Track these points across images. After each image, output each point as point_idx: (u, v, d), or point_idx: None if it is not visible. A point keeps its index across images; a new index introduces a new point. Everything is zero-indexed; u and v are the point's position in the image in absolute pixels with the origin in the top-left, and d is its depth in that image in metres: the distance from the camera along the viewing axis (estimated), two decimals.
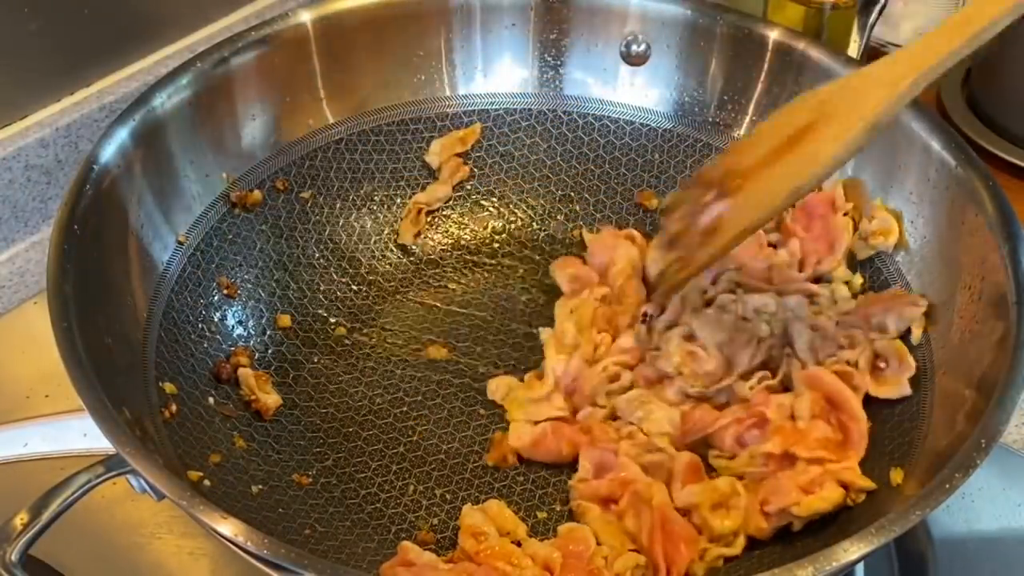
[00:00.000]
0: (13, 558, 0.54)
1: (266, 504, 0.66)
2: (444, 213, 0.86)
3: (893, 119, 0.62)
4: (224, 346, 0.75)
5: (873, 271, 0.75)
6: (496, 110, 0.86)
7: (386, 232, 0.85)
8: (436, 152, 0.85)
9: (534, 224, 0.86)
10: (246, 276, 0.78)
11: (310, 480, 0.69)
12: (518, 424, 0.71)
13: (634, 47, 0.84)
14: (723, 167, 0.66)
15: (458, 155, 0.85)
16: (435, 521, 0.67)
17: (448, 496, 0.69)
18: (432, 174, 0.86)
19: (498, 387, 0.75)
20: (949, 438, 0.61)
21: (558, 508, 0.68)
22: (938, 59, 0.59)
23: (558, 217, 0.86)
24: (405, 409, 0.74)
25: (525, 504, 0.68)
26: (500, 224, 0.87)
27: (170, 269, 0.73)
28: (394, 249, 0.84)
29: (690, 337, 0.71)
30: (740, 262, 0.74)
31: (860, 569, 0.69)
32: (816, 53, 0.78)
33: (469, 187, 0.87)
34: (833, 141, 0.61)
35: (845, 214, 0.75)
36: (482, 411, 0.74)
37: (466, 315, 0.81)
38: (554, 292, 0.81)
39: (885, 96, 0.60)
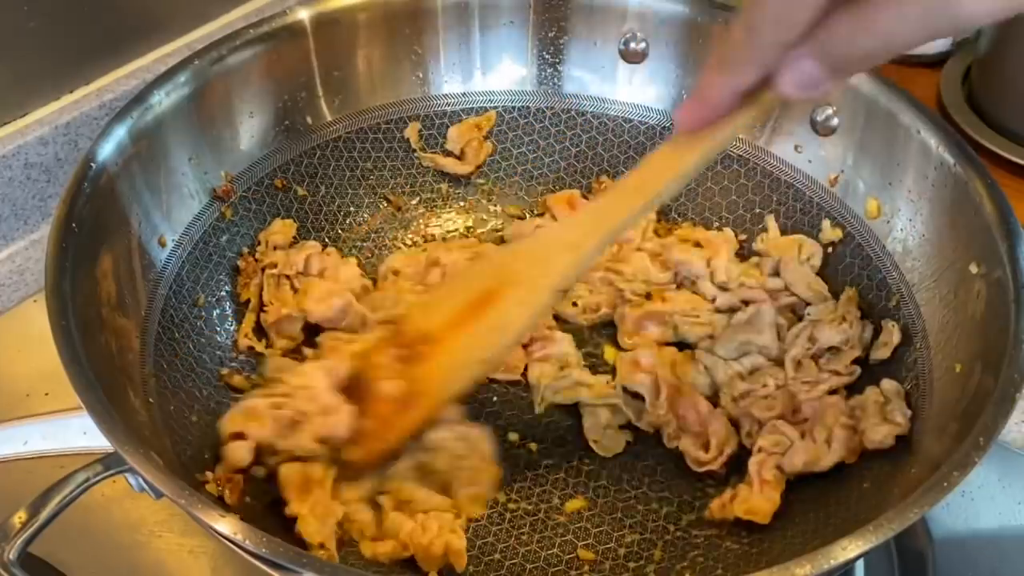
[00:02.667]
0: (12, 556, 0.54)
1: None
2: (444, 212, 0.86)
3: (576, 278, 0.64)
4: (222, 343, 0.75)
5: (871, 270, 0.75)
6: (494, 108, 0.86)
7: (385, 229, 0.85)
8: (454, 139, 0.85)
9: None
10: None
11: None
12: None
13: (633, 45, 0.84)
14: (413, 327, 0.65)
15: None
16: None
17: None
18: (429, 172, 0.86)
19: None
20: (948, 436, 0.61)
21: None
22: (619, 222, 0.60)
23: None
24: None
25: None
26: (499, 223, 0.87)
27: (168, 266, 0.73)
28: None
29: None
30: None
31: (860, 567, 0.69)
32: None
33: (468, 185, 0.87)
34: (520, 306, 0.62)
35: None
36: None
37: None
38: None
39: (570, 260, 0.61)
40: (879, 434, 0.65)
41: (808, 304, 0.76)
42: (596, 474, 0.70)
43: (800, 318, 0.76)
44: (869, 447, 0.66)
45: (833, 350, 0.73)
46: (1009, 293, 0.62)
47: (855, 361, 0.72)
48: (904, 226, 0.73)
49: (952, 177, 0.69)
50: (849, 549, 0.51)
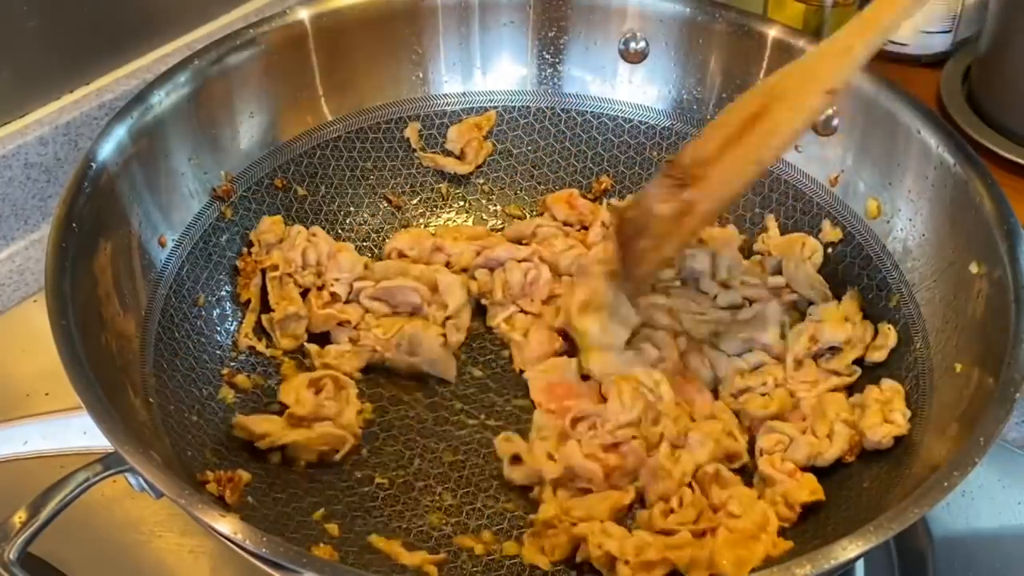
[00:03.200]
0: (12, 556, 0.54)
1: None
2: (444, 212, 0.86)
3: (848, 86, 0.64)
4: (222, 343, 0.75)
5: (871, 270, 0.75)
6: (495, 108, 0.86)
7: (386, 229, 0.85)
8: (454, 139, 0.86)
9: None
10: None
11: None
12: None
13: (633, 44, 0.84)
14: (687, 158, 0.67)
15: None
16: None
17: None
18: (429, 171, 0.86)
19: None
20: (948, 436, 0.61)
21: None
22: (889, 21, 0.61)
23: None
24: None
25: None
26: (499, 222, 0.87)
27: (168, 266, 0.73)
28: None
29: None
30: None
31: (860, 567, 0.69)
32: None
33: (468, 185, 0.87)
34: (790, 111, 0.63)
35: None
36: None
37: None
38: None
39: (841, 62, 0.62)
40: (878, 434, 0.65)
41: (810, 302, 0.76)
42: None
43: (803, 315, 0.76)
44: (868, 447, 0.66)
45: (834, 350, 0.73)
46: (1009, 293, 0.62)
47: (855, 361, 0.72)
48: (904, 226, 0.73)
49: (952, 177, 0.69)
50: (849, 549, 0.51)
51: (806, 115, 0.64)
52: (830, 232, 0.78)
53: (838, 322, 0.73)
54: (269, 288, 0.77)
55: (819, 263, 0.78)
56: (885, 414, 0.66)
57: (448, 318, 0.77)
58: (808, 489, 0.65)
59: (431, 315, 0.77)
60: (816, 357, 0.73)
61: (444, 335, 0.76)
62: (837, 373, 0.72)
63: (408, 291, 0.77)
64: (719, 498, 0.65)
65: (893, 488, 0.62)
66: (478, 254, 0.80)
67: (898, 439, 0.66)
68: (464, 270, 0.80)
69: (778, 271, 0.78)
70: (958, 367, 0.65)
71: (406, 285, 0.77)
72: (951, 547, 0.70)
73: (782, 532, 0.64)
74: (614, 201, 0.84)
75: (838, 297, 0.76)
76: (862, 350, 0.72)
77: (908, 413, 0.66)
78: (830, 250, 0.78)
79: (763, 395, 0.71)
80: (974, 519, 0.72)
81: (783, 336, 0.74)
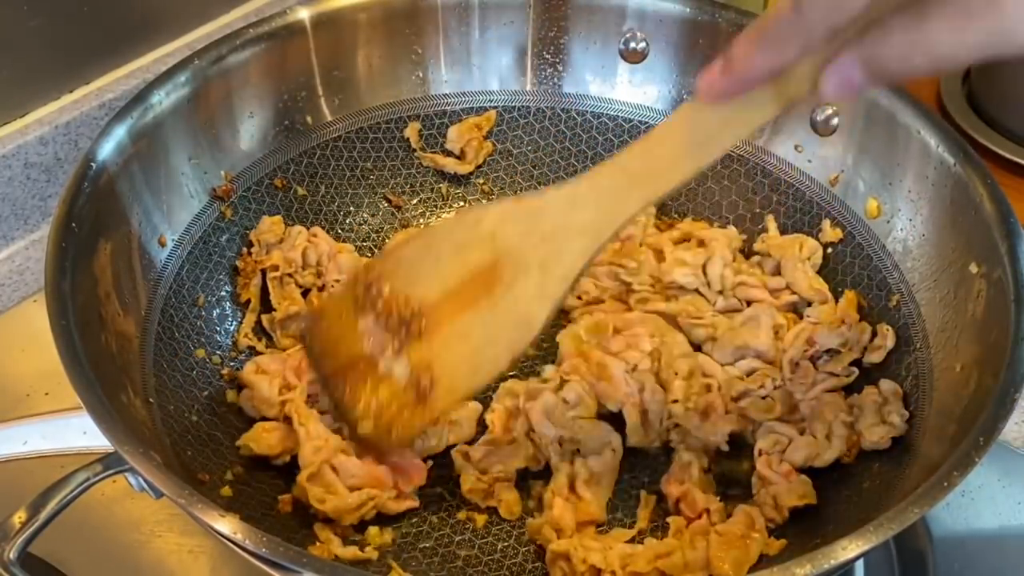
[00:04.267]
0: (12, 556, 0.54)
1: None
2: (444, 211, 0.86)
3: (587, 268, 0.59)
4: (222, 343, 0.75)
5: (871, 270, 0.75)
6: (494, 107, 0.86)
7: (385, 229, 0.85)
8: (454, 139, 0.86)
9: None
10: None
11: None
12: None
13: (632, 44, 0.84)
14: (393, 292, 0.60)
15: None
16: None
17: None
18: (429, 171, 0.86)
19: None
20: (948, 436, 0.61)
21: None
22: (632, 212, 0.56)
23: None
24: None
25: None
26: None
27: (168, 266, 0.73)
28: None
29: None
30: None
31: (860, 567, 0.69)
32: None
33: (468, 185, 0.87)
34: (542, 300, 0.57)
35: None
36: None
37: None
38: None
39: (588, 247, 0.56)
40: (875, 435, 0.65)
41: (809, 303, 0.76)
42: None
43: (801, 316, 0.76)
44: (865, 447, 0.66)
45: (831, 352, 0.73)
46: (1009, 293, 0.62)
47: (854, 362, 0.72)
48: (904, 226, 0.73)
49: (952, 177, 0.69)
50: (849, 549, 0.51)
51: (554, 307, 0.57)
52: (830, 233, 0.78)
53: (834, 325, 0.73)
54: (270, 288, 0.76)
55: (818, 264, 0.78)
56: (883, 415, 0.66)
57: None
58: (798, 493, 0.65)
59: None
60: (813, 359, 0.73)
61: None
62: (835, 375, 0.72)
63: None
64: (701, 506, 0.65)
65: (893, 488, 0.62)
66: None
67: (896, 439, 0.66)
68: None
69: (777, 272, 0.78)
70: (958, 367, 0.65)
71: None
72: (951, 547, 0.70)
73: (780, 531, 0.64)
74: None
75: (838, 299, 0.76)
76: (859, 352, 0.72)
77: (906, 414, 0.66)
78: (830, 250, 0.78)
79: (764, 398, 0.71)
80: (974, 519, 0.72)
81: (780, 337, 0.74)
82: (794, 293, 0.76)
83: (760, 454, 0.68)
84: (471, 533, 0.66)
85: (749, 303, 0.76)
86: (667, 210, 0.84)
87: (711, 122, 0.53)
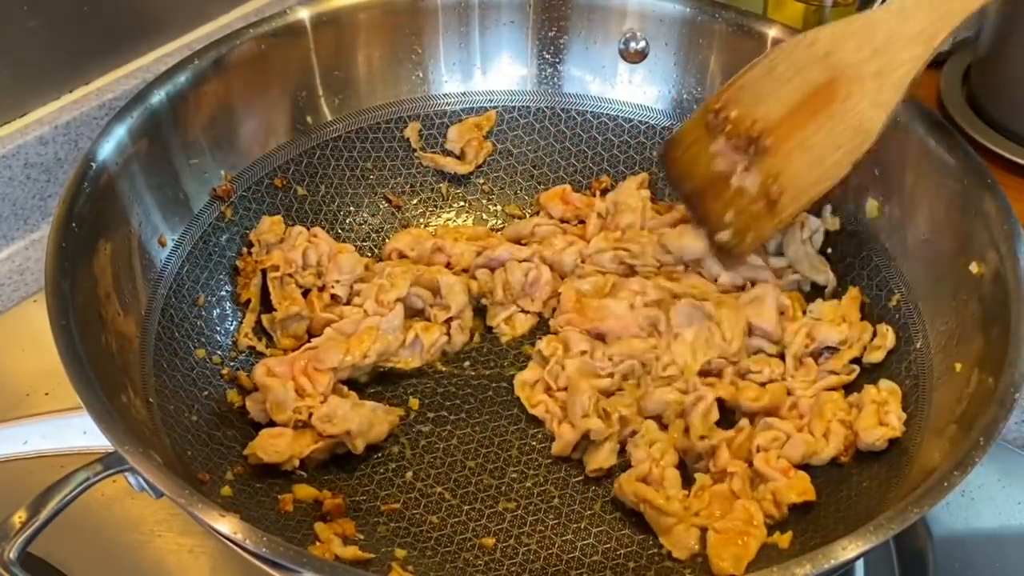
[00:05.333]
0: (12, 555, 0.54)
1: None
2: (444, 211, 0.86)
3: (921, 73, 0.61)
4: (222, 343, 0.75)
5: (871, 270, 0.75)
6: (495, 107, 0.86)
7: (385, 229, 0.85)
8: (454, 139, 0.86)
9: None
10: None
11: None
12: None
13: (633, 44, 0.84)
14: (740, 117, 0.64)
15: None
16: None
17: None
18: (429, 171, 0.86)
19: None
20: (948, 436, 0.61)
21: None
22: (967, 13, 0.57)
23: None
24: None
25: None
26: (499, 222, 0.87)
27: (168, 266, 0.73)
28: None
29: None
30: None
31: (860, 567, 0.69)
32: None
33: (468, 185, 0.87)
34: (878, 108, 0.60)
35: None
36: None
37: None
38: None
39: (921, 55, 0.58)
40: (872, 436, 0.66)
41: (812, 283, 0.77)
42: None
43: (805, 296, 0.76)
44: (862, 448, 0.66)
45: (831, 349, 0.73)
46: (1009, 293, 0.62)
47: (855, 360, 0.72)
48: (904, 226, 0.73)
49: (952, 177, 0.69)
50: (849, 549, 0.51)
51: (890, 113, 0.60)
52: (829, 220, 0.77)
53: (834, 322, 0.73)
54: (271, 288, 0.76)
55: (820, 243, 0.78)
56: (880, 416, 0.66)
57: (451, 319, 0.77)
58: (798, 490, 0.65)
59: (433, 316, 0.77)
60: (815, 356, 0.73)
61: (448, 335, 0.76)
62: (835, 372, 0.72)
63: (410, 295, 0.76)
64: (700, 503, 0.65)
65: (893, 488, 0.62)
66: (479, 254, 0.80)
67: (894, 440, 0.66)
68: (465, 270, 0.80)
69: (779, 252, 0.78)
70: (958, 367, 0.65)
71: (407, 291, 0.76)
72: (951, 547, 0.70)
73: (780, 527, 0.64)
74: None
75: (840, 278, 0.76)
76: (859, 350, 0.72)
77: (903, 416, 0.66)
78: (830, 250, 0.78)
79: (760, 384, 0.71)
80: (974, 519, 0.72)
81: (784, 315, 0.74)
82: (796, 272, 0.77)
83: (758, 450, 0.68)
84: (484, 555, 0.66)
85: (753, 283, 0.76)
86: (659, 196, 0.84)
87: None
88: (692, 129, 0.71)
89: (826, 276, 0.76)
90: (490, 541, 0.66)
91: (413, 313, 0.77)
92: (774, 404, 0.70)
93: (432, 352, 0.76)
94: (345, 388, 0.73)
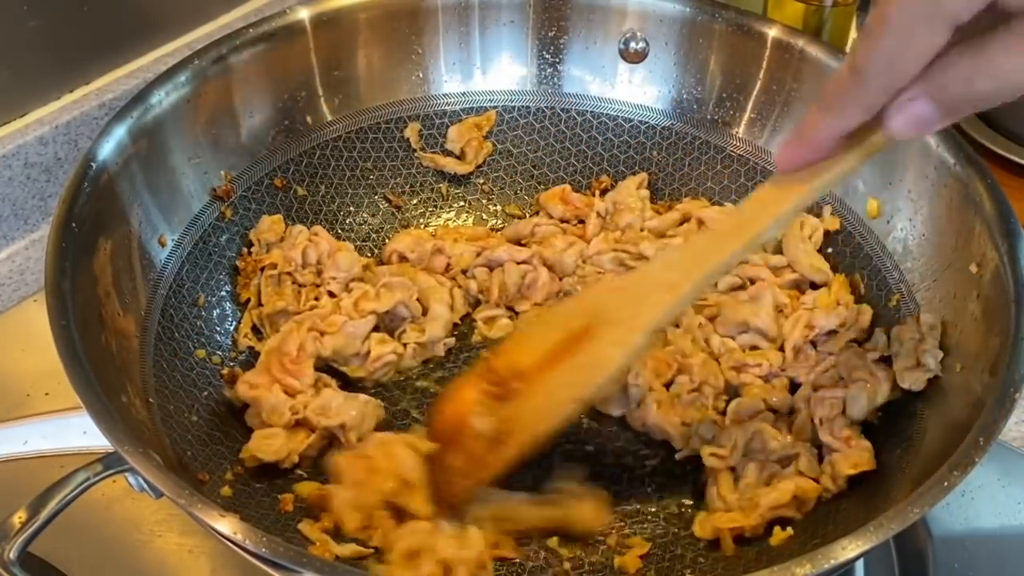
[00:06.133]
0: (12, 555, 0.54)
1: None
2: (444, 211, 0.86)
3: (672, 319, 0.62)
4: (222, 343, 0.75)
5: (871, 270, 0.75)
6: (494, 107, 0.86)
7: (385, 229, 0.85)
8: (454, 139, 0.86)
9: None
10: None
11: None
12: None
13: (633, 44, 0.84)
14: (501, 366, 0.64)
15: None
16: None
17: None
18: (429, 171, 0.86)
19: None
20: (948, 436, 0.61)
21: None
22: (718, 263, 0.59)
23: None
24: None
25: None
26: (499, 222, 0.87)
27: (168, 266, 0.73)
28: None
29: None
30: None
31: (860, 567, 0.69)
32: (815, 51, 0.78)
33: (468, 185, 0.87)
34: (615, 346, 0.60)
35: None
36: None
37: None
38: None
39: (666, 300, 0.59)
40: (909, 379, 0.66)
41: (811, 282, 0.77)
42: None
43: (804, 291, 0.76)
44: (903, 386, 0.67)
45: (830, 333, 0.73)
46: (1009, 293, 0.62)
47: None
48: (904, 226, 0.73)
49: (952, 177, 0.69)
50: (849, 549, 0.51)
51: (630, 351, 0.61)
52: (828, 220, 0.77)
53: (830, 307, 0.73)
54: (262, 285, 0.76)
55: (819, 242, 0.78)
56: (918, 356, 0.66)
57: (418, 344, 0.76)
58: (852, 460, 0.65)
59: (407, 329, 0.76)
60: (814, 343, 0.73)
61: (398, 354, 0.75)
62: (834, 354, 0.72)
63: (400, 305, 0.76)
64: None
65: (893, 488, 0.62)
66: (478, 255, 0.80)
67: (897, 436, 0.66)
68: (464, 271, 0.80)
69: (778, 251, 0.78)
70: (958, 367, 0.65)
71: (403, 301, 0.76)
72: (951, 547, 0.70)
73: (781, 523, 0.64)
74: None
75: None
76: (856, 332, 0.72)
77: (940, 355, 0.66)
78: (830, 249, 0.78)
79: (764, 379, 0.72)
80: (974, 519, 0.72)
81: (782, 313, 0.74)
82: (795, 271, 0.77)
83: (821, 423, 0.67)
84: None
85: (752, 281, 0.77)
86: (658, 196, 0.85)
87: (793, 180, 0.55)
88: (462, 383, 0.67)
89: (825, 275, 0.76)
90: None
91: (395, 319, 0.77)
92: (782, 403, 0.70)
93: (375, 365, 0.74)
94: (331, 380, 0.73)
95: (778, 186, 0.56)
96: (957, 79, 0.45)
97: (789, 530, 0.63)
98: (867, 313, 0.73)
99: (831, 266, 0.77)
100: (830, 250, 0.78)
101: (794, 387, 0.72)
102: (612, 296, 0.63)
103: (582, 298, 0.66)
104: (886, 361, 0.69)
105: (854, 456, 0.65)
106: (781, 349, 0.74)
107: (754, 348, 0.74)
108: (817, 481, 0.65)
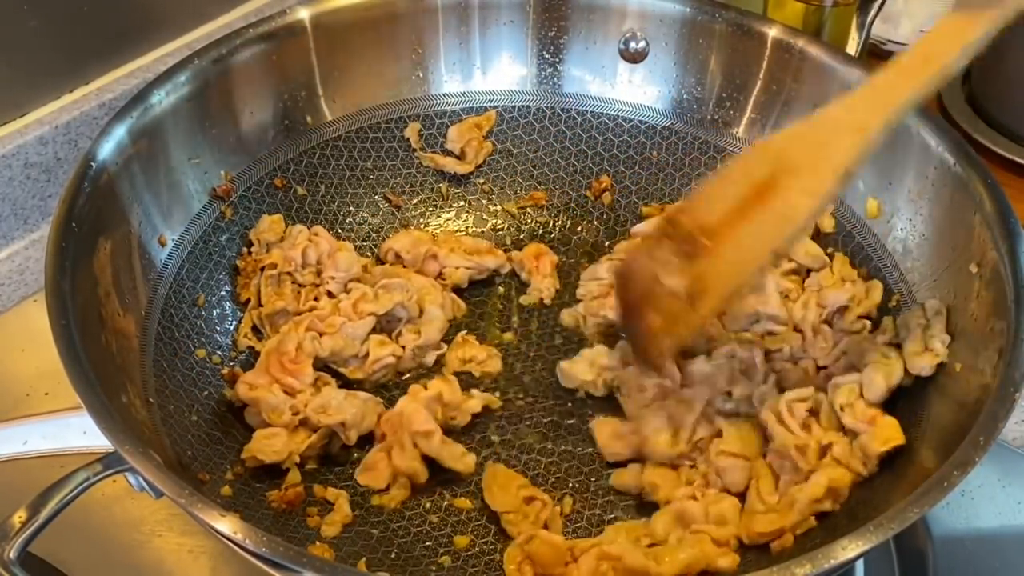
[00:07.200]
0: (12, 555, 0.54)
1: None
2: (444, 211, 0.86)
3: (864, 163, 0.60)
4: (222, 343, 0.75)
5: (872, 268, 0.75)
6: (495, 107, 0.86)
7: (385, 228, 0.85)
8: (454, 139, 0.86)
9: (533, 221, 0.86)
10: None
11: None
12: None
13: (633, 44, 0.84)
14: (689, 219, 0.63)
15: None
16: None
17: None
18: (429, 171, 0.86)
19: None
20: (948, 435, 0.61)
21: None
22: (905, 99, 0.57)
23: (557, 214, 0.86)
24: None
25: None
26: (500, 222, 0.87)
27: (168, 266, 0.73)
28: None
29: None
30: None
31: (860, 567, 0.69)
32: (815, 50, 0.78)
33: (468, 185, 0.87)
34: (806, 195, 0.59)
35: None
36: None
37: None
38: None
39: (856, 142, 0.58)
40: (918, 364, 0.66)
41: (809, 270, 0.77)
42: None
43: (803, 281, 0.76)
44: (912, 371, 0.66)
45: (842, 310, 0.73)
46: (1009, 293, 0.62)
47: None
48: (904, 226, 0.73)
49: (952, 177, 0.69)
50: (849, 549, 0.51)
51: (822, 200, 0.59)
52: (825, 220, 0.77)
53: (837, 284, 0.74)
54: (261, 285, 0.76)
55: (811, 230, 0.78)
56: (926, 340, 0.66)
57: (417, 346, 0.76)
58: (882, 437, 0.64)
59: (403, 331, 0.76)
60: (828, 322, 0.73)
61: (397, 357, 0.75)
62: (847, 331, 0.72)
63: (398, 307, 0.76)
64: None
65: (893, 488, 0.62)
66: (470, 270, 0.81)
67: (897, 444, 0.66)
68: (456, 287, 0.80)
69: None
70: (958, 367, 0.65)
71: (401, 302, 0.76)
72: (951, 547, 0.70)
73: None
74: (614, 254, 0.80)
75: None
76: (867, 307, 0.73)
77: (947, 339, 0.66)
78: (830, 249, 0.78)
79: (793, 364, 0.72)
80: (974, 519, 0.72)
81: (788, 299, 0.75)
82: (791, 260, 0.77)
83: (842, 409, 0.67)
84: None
85: None
86: (658, 196, 0.85)
87: (981, 4, 0.53)
88: (647, 238, 0.68)
89: (821, 260, 0.77)
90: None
91: (391, 320, 0.77)
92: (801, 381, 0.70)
93: (374, 367, 0.74)
94: (331, 379, 0.73)
95: (964, 13, 0.54)
96: None
97: (812, 520, 0.63)
98: (877, 288, 0.73)
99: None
100: (830, 250, 0.78)
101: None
102: (794, 143, 0.61)
103: (763, 148, 0.63)
104: (895, 347, 0.69)
105: (882, 433, 0.64)
106: (796, 331, 0.74)
107: (770, 334, 0.74)
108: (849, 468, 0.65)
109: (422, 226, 0.85)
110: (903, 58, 0.58)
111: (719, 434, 0.68)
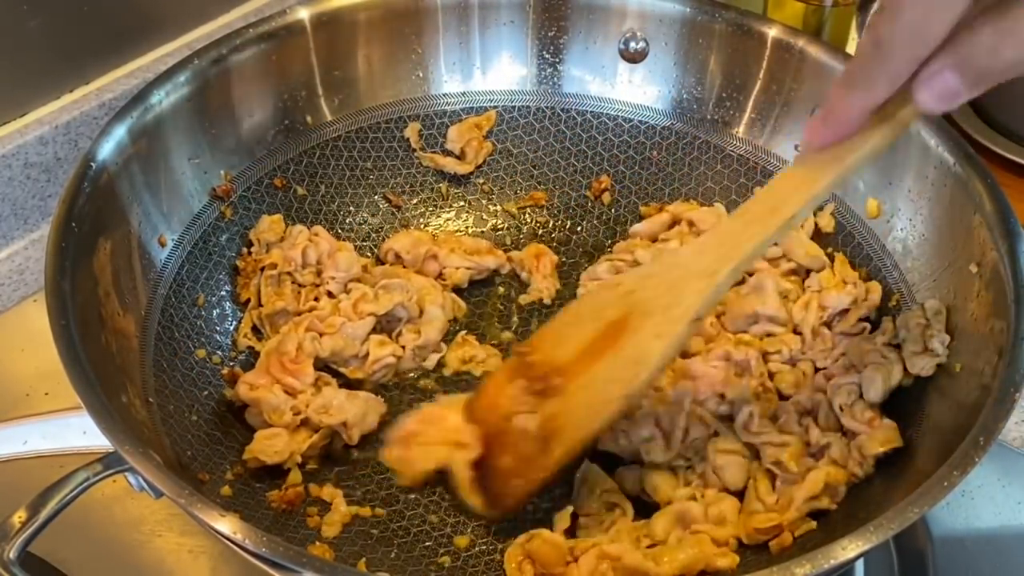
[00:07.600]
0: (12, 555, 0.54)
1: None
2: (444, 211, 0.86)
3: (711, 306, 0.61)
4: (222, 343, 0.75)
5: (872, 268, 0.75)
6: (494, 107, 0.86)
7: (385, 229, 0.85)
8: (454, 139, 0.86)
9: (533, 221, 0.86)
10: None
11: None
12: None
13: (632, 44, 0.84)
14: (539, 360, 0.63)
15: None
16: None
17: None
18: (429, 171, 0.86)
19: None
20: (948, 436, 0.61)
21: None
22: (751, 247, 0.58)
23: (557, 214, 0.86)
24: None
25: None
26: (499, 222, 0.87)
27: (168, 266, 0.73)
28: None
29: None
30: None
31: (860, 567, 0.69)
32: (815, 50, 0.78)
33: (468, 184, 0.87)
34: (657, 339, 0.59)
35: None
36: None
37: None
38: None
39: (704, 288, 0.58)
40: (918, 365, 0.66)
41: (808, 270, 0.77)
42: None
43: (803, 282, 0.76)
44: (911, 371, 0.67)
45: (842, 312, 0.73)
46: (1009, 293, 0.62)
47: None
48: (904, 226, 0.73)
49: (952, 177, 0.69)
50: (849, 549, 0.51)
51: (672, 343, 0.59)
52: (825, 219, 0.77)
53: (838, 286, 0.74)
54: (261, 285, 0.76)
55: (811, 231, 0.78)
56: (925, 341, 0.66)
57: (417, 347, 0.76)
58: (880, 439, 0.64)
59: (403, 331, 0.76)
60: (828, 325, 0.73)
61: (397, 357, 0.75)
62: (847, 334, 0.72)
63: (398, 307, 0.76)
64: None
65: (893, 488, 0.62)
66: (470, 270, 0.81)
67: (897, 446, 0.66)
68: (456, 287, 0.80)
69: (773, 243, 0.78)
70: (958, 367, 0.65)
71: (401, 302, 0.76)
72: (951, 547, 0.70)
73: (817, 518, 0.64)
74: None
75: None
76: (868, 309, 0.73)
77: (947, 339, 0.66)
78: (829, 249, 0.78)
79: (790, 366, 0.72)
80: (974, 519, 0.72)
81: (787, 299, 0.74)
82: (791, 260, 0.77)
83: (842, 410, 0.67)
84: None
85: (751, 274, 0.77)
86: (658, 196, 0.85)
87: (825, 158, 0.55)
88: (501, 374, 0.68)
89: (821, 261, 0.76)
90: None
91: (392, 320, 0.77)
92: (800, 388, 0.71)
93: (374, 367, 0.74)
94: (331, 379, 0.73)
95: (809, 166, 0.56)
96: (982, 49, 0.45)
97: (812, 523, 0.63)
98: (876, 290, 0.73)
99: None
100: (829, 250, 0.78)
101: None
102: (647, 284, 0.61)
103: (614, 287, 0.64)
104: (894, 347, 0.69)
105: (880, 435, 0.65)
106: (795, 333, 0.74)
107: (769, 335, 0.74)
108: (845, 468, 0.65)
109: (422, 226, 0.85)
110: (752, 206, 0.59)
111: (715, 434, 0.68)
